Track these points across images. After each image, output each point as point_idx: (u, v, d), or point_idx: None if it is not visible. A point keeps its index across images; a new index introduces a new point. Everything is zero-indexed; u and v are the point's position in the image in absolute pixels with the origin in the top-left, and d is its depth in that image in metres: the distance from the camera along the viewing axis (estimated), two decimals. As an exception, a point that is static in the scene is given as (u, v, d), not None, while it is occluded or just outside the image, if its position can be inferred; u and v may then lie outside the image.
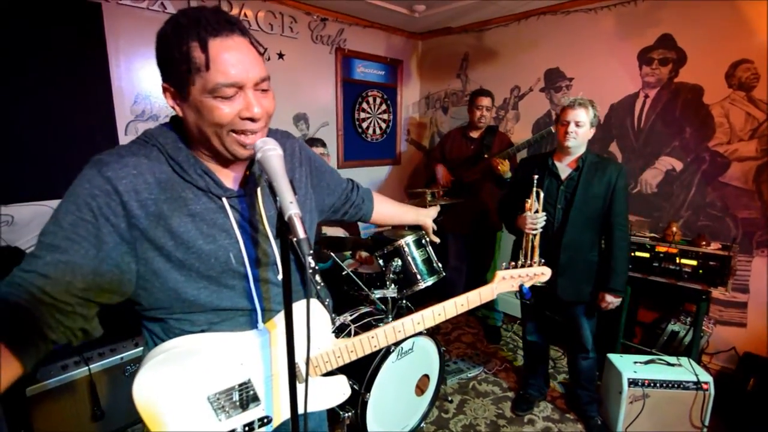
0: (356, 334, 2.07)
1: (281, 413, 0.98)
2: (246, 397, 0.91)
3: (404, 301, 2.45)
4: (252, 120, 0.75)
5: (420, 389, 2.14)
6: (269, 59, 2.97)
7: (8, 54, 2.02)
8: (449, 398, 2.44)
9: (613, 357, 2.23)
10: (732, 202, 2.43)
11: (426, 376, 2.16)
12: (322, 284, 0.71)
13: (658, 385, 2.05)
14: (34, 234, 2.18)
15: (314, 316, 0.96)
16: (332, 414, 2.14)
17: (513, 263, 1.26)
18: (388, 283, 2.14)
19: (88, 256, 0.71)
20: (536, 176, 1.98)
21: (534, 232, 1.99)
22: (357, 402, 1.86)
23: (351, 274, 2.17)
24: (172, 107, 0.76)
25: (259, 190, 0.87)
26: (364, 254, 2.70)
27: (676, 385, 2.03)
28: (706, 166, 2.50)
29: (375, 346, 1.08)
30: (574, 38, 2.95)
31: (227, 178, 0.85)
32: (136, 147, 0.79)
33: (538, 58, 3.16)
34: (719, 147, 2.44)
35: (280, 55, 3.03)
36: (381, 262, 2.21)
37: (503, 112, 3.45)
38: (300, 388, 0.82)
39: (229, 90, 0.72)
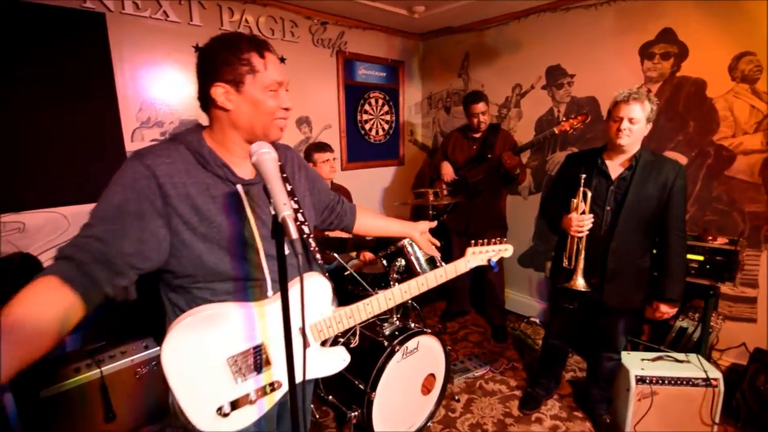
0: (362, 334, 2.10)
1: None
2: (259, 360, 1.03)
3: (410, 301, 2.46)
4: (287, 109, 1.02)
5: (426, 388, 2.15)
6: (271, 64, 3.00)
7: (15, 65, 2.06)
8: (456, 397, 2.44)
9: (621, 354, 2.21)
10: (738, 195, 2.40)
11: (432, 376, 2.17)
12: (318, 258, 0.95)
13: (666, 382, 2.03)
14: (46, 240, 2.23)
15: (317, 288, 1.12)
16: (339, 414, 2.16)
17: (481, 241, 1.45)
18: (392, 283, 2.16)
19: (134, 227, 0.87)
20: (584, 175, 1.86)
21: (580, 234, 1.88)
22: (363, 401, 1.87)
23: (354, 274, 2.19)
24: (222, 104, 0.95)
25: None
26: (368, 255, 2.72)
27: (684, 382, 2.01)
28: (711, 160, 2.47)
29: (370, 312, 1.24)
30: (575, 35, 2.94)
31: (241, 169, 1.02)
32: (167, 144, 0.97)
33: (539, 55, 3.15)
34: (724, 140, 2.42)
35: (282, 60, 3.06)
36: (384, 262, 2.22)
37: (505, 110, 3.45)
38: (305, 352, 0.91)
39: (276, 86, 0.98)
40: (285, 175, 1.11)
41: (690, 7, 2.43)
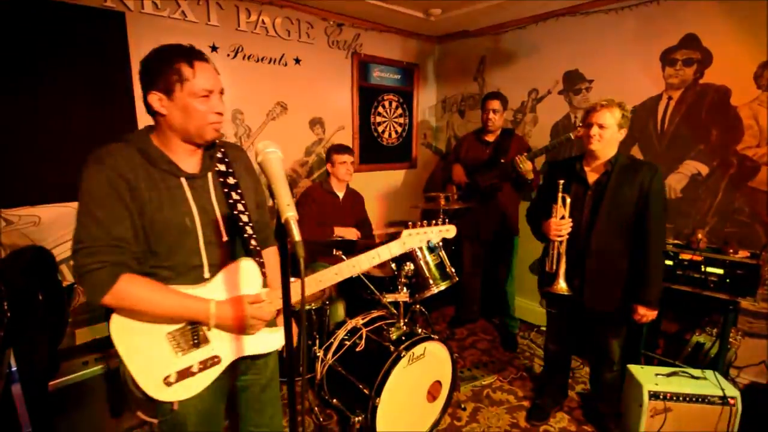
0: (368, 338, 2.08)
1: (229, 355, 1.19)
2: (197, 336, 1.14)
3: (418, 306, 2.43)
4: (219, 114, 1.11)
5: (432, 395, 2.12)
6: (286, 65, 3.02)
7: (35, 63, 2.10)
8: (462, 406, 2.40)
9: (634, 368, 2.15)
10: (761, 208, 2.32)
11: (438, 383, 2.14)
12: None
13: (681, 398, 1.96)
14: (60, 234, 2.27)
15: (248, 272, 1.19)
16: (343, 417, 2.14)
17: (419, 223, 1.45)
18: (400, 287, 2.13)
19: (126, 216, 1.03)
20: (562, 181, 1.92)
21: (559, 239, 1.93)
22: (367, 406, 1.85)
23: (362, 277, 2.17)
24: (158, 110, 1.07)
25: (209, 173, 1.17)
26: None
27: (700, 399, 1.95)
28: (734, 171, 2.39)
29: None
30: (594, 39, 2.88)
31: (186, 164, 1.14)
32: (118, 145, 1.09)
33: (557, 60, 3.10)
34: (748, 150, 2.34)
35: (297, 61, 3.07)
36: (393, 265, 2.20)
37: (521, 115, 3.40)
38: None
39: (204, 92, 1.06)
40: (231, 171, 1.22)
41: (715, 13, 2.36)
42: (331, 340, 2.19)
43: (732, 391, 1.94)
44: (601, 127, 1.85)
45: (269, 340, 1.26)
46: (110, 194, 1.01)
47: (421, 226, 1.43)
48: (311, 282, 1.25)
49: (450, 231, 1.50)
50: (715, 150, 2.45)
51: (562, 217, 1.93)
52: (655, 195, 1.84)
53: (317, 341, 2.36)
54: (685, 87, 2.53)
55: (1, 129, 2.06)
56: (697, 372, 2.08)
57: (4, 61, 2.03)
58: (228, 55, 2.74)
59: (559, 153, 3.17)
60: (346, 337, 2.16)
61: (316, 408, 2.23)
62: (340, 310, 2.73)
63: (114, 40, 2.31)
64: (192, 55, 1.06)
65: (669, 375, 2.07)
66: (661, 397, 1.97)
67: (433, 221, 1.45)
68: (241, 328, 1.14)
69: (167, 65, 1.03)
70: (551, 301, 2.19)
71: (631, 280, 1.92)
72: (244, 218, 1.18)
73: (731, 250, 2.21)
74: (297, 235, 0.70)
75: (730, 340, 2.30)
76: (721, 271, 2.19)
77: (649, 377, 2.06)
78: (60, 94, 2.19)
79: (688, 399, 1.96)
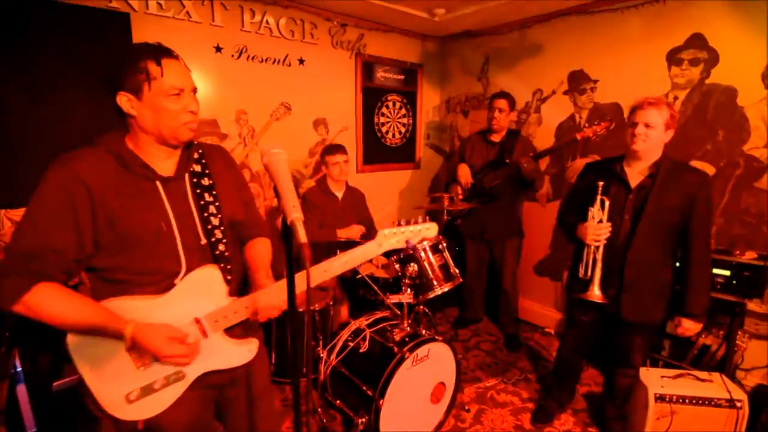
0: (372, 339, 2.07)
1: (194, 369, 1.10)
2: None
3: (422, 307, 2.42)
4: (192, 113, 1.06)
5: (435, 397, 2.11)
6: (290, 65, 3.02)
7: (40, 64, 2.11)
8: (466, 407, 2.39)
9: (640, 370, 2.13)
10: (769, 209, 2.30)
11: (442, 384, 2.13)
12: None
13: (687, 401, 1.94)
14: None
15: (210, 280, 1.12)
16: (346, 419, 2.14)
17: (396, 222, 1.32)
18: (403, 288, 2.13)
19: (73, 229, 0.97)
20: (601, 183, 1.82)
21: (596, 243, 1.84)
22: (371, 407, 1.85)
23: (366, 278, 2.17)
24: (128, 111, 1.02)
25: (186, 174, 1.13)
26: (381, 259, 2.70)
27: (706, 402, 1.92)
28: (741, 172, 2.37)
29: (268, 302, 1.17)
30: (599, 39, 2.87)
31: (162, 167, 1.09)
32: (89, 149, 1.05)
33: (562, 60, 3.09)
34: (755, 151, 2.32)
35: (301, 61, 3.07)
36: (397, 266, 2.20)
37: (525, 116, 3.38)
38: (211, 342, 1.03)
39: (175, 90, 1.02)
40: (207, 171, 1.17)
41: (721, 12, 2.34)
42: (335, 341, 2.19)
43: (739, 394, 1.92)
44: (647, 126, 1.72)
45: (237, 353, 1.18)
46: (59, 200, 0.96)
47: (399, 225, 1.31)
48: (277, 287, 1.17)
49: (430, 229, 1.36)
50: (721, 150, 2.44)
51: (600, 221, 1.84)
52: (702, 204, 1.74)
53: (321, 342, 2.35)
54: (692, 87, 2.51)
55: (6, 130, 2.07)
56: (703, 374, 2.06)
57: (8, 61, 2.04)
58: (232, 55, 2.74)
59: (563, 154, 3.17)
60: (349, 339, 2.15)
61: (319, 409, 2.23)
62: (343, 311, 2.73)
63: (119, 41, 2.31)
64: (159, 52, 1.02)
65: (675, 377, 2.05)
66: (667, 399, 1.95)
67: (412, 219, 1.34)
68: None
69: (133, 64, 0.99)
70: (579, 308, 2.08)
71: (675, 291, 1.83)
72: (215, 221, 1.13)
73: (738, 252, 2.20)
74: (303, 237, 0.69)
75: (737, 342, 2.28)
76: (727, 273, 2.17)
77: (655, 379, 2.04)
78: (65, 94, 2.20)
79: (694, 401, 1.94)
